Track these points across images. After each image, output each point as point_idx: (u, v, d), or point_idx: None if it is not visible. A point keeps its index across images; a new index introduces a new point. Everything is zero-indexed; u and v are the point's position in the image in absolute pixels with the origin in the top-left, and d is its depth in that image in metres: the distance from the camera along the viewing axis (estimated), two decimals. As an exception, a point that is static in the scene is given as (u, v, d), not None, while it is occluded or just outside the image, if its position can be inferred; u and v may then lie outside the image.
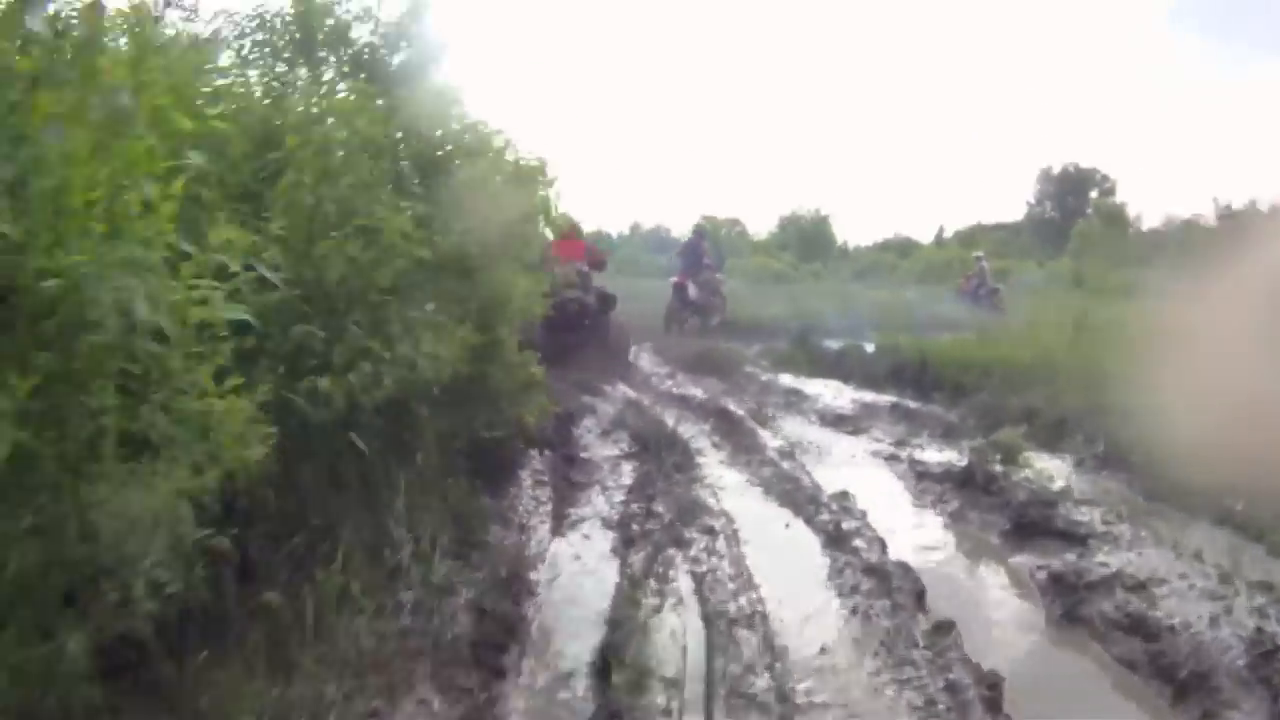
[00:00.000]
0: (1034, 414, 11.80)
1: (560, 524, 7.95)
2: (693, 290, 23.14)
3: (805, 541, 7.60)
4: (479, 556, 6.35)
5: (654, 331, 23.22)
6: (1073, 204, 72.82)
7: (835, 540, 7.39)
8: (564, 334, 15.14)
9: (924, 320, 24.82)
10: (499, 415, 8.33)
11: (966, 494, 9.08)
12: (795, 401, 14.76)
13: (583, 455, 10.43)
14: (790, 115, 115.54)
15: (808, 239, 66.40)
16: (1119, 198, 70.97)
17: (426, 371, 6.14)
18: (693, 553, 7.08)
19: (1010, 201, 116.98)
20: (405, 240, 5.95)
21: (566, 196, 11.52)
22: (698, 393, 14.96)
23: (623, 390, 14.71)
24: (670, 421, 12.01)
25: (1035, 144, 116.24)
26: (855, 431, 12.66)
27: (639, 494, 8.70)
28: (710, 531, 7.57)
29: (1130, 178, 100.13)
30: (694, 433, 11.76)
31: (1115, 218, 60.26)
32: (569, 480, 9.34)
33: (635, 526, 7.72)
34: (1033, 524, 7.98)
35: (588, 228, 59.45)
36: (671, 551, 7.05)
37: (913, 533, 8.23)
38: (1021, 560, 7.33)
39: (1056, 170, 75.03)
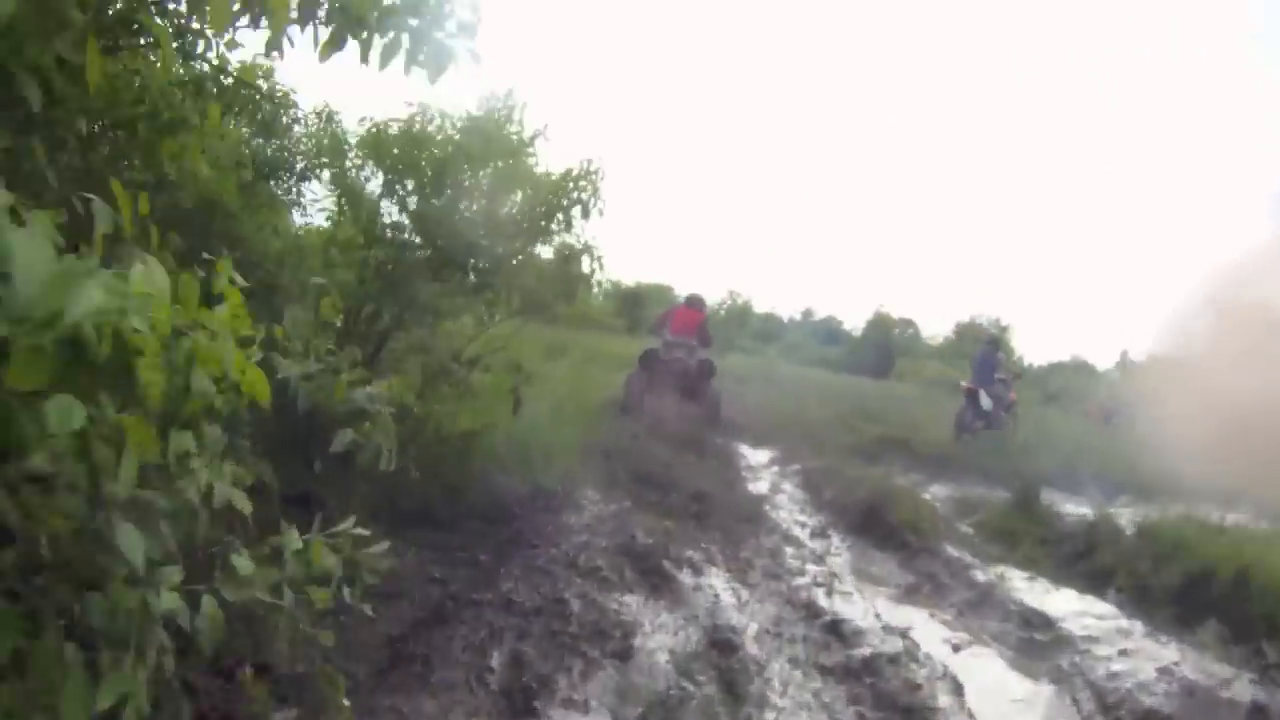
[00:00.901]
0: None
1: None
2: (985, 400, 19.95)
3: None
4: None
5: (808, 441, 16.82)
6: (1262, 337, 62.71)
7: None
8: (660, 387, 16.24)
9: (1164, 476, 17.17)
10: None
11: None
12: (1048, 650, 7.32)
13: None
14: (974, 219, 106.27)
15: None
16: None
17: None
18: None
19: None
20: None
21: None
22: (858, 614, 7.19)
23: (710, 584, 7.35)
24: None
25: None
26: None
27: None
28: None
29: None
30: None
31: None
32: None
33: None
34: None
35: (760, 308, 53.72)
36: None
37: None
38: None
39: (1242, 302, 64.89)
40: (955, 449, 18.08)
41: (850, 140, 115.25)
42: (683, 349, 16.83)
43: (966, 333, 60.37)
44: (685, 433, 13.63)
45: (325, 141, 7.86)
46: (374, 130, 7.59)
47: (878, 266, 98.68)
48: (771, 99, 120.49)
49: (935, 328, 78.13)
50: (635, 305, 46.77)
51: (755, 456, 14.71)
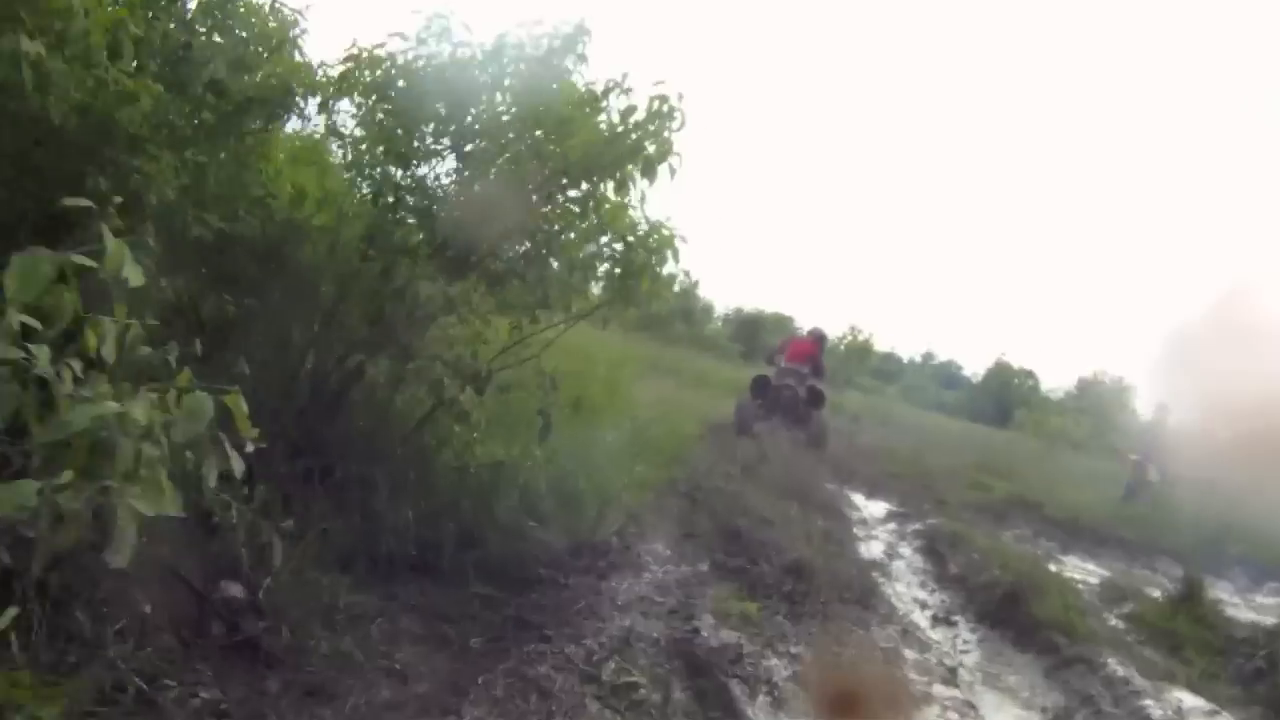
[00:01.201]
0: None
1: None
2: (1154, 473, 18.47)
3: None
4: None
5: (929, 494, 14.40)
6: None
7: None
8: (769, 410, 16.42)
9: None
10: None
11: None
12: None
13: None
14: (1107, 267, 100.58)
15: (1106, 408, 54.55)
16: None
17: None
18: None
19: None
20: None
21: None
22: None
23: None
24: None
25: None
26: None
27: None
28: None
29: None
30: None
31: None
32: None
33: None
34: None
35: (880, 346, 51.63)
36: None
37: None
38: None
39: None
40: (1089, 516, 15.50)
41: (984, 178, 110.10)
42: (794, 376, 16.92)
43: (1089, 388, 56.92)
44: (789, 477, 11.41)
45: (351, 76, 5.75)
46: (385, 62, 5.50)
47: (1001, 308, 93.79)
48: (908, 125, 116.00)
49: (1056, 379, 74.30)
50: (753, 332, 45.79)
51: (869, 509, 12.46)
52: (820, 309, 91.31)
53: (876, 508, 12.52)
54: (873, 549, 9.92)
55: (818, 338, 18.40)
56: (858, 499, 12.82)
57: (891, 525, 11.48)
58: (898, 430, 24.58)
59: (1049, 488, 17.07)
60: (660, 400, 14.00)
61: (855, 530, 10.53)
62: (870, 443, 20.32)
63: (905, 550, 10.14)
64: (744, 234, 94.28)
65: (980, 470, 18.31)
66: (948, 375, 61.54)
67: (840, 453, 16.36)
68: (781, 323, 46.60)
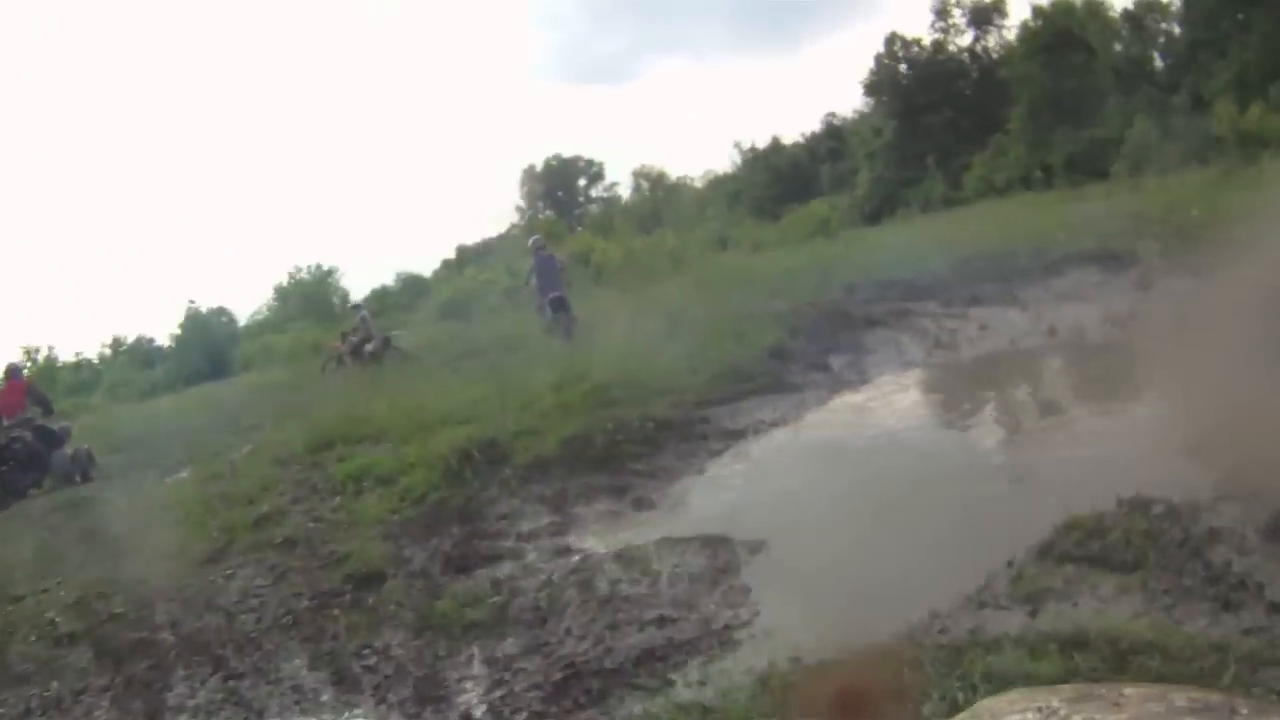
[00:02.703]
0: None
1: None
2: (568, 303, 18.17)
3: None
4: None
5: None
6: (564, 197, 65.85)
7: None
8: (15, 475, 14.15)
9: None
10: None
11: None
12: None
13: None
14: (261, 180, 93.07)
15: (313, 301, 50.68)
16: (609, 179, 67.20)
17: None
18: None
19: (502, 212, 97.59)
20: None
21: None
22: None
23: None
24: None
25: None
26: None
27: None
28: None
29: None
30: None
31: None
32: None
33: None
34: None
35: (64, 355, 42.49)
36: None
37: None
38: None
39: (540, 168, 62.96)
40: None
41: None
42: (19, 427, 14.51)
43: (294, 291, 52.04)
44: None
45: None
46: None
47: (179, 264, 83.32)
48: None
49: (253, 302, 68.93)
50: None
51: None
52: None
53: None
54: None
55: (17, 373, 15.70)
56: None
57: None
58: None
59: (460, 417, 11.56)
60: None
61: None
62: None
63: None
64: None
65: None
66: (143, 353, 52.89)
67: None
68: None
